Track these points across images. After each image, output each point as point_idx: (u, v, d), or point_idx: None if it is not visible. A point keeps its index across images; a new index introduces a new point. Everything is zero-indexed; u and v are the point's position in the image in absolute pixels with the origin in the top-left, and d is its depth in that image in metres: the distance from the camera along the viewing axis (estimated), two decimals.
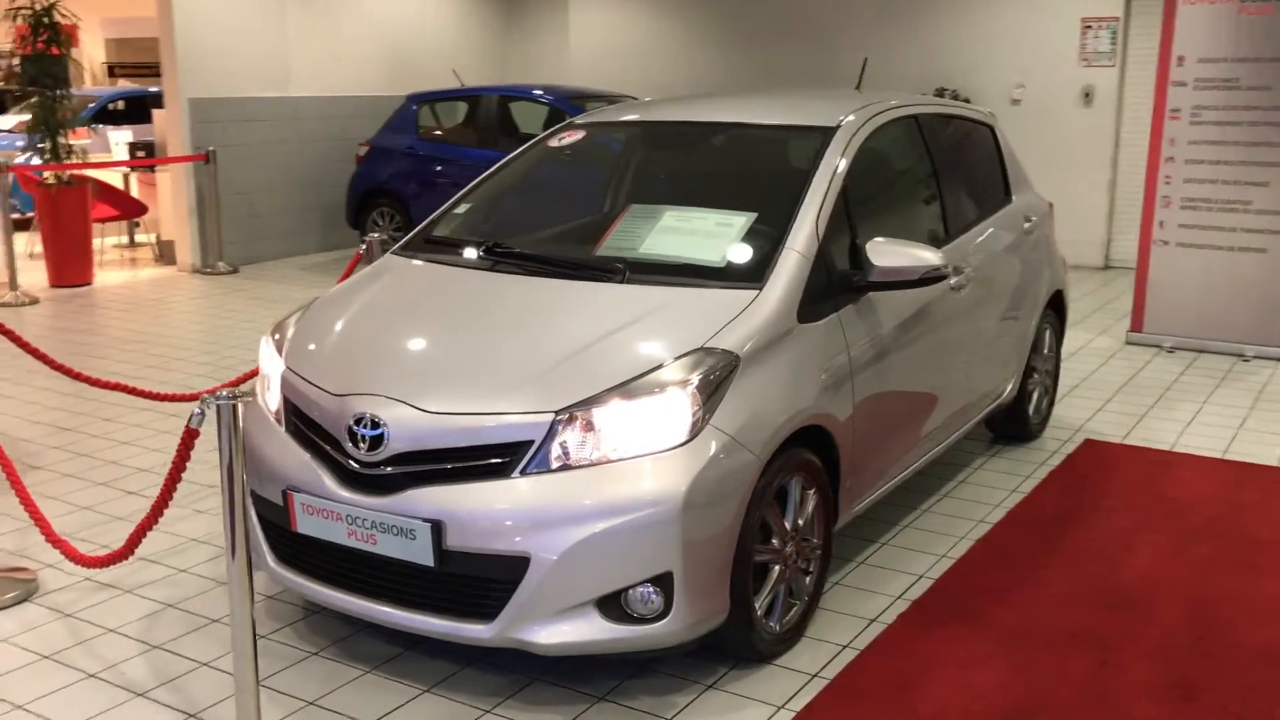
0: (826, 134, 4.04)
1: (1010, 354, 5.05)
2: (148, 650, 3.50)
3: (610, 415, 3.07)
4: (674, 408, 3.09)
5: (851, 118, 4.15)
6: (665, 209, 3.94)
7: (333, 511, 3.19)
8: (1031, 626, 3.67)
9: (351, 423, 3.20)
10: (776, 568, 3.41)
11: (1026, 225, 5.18)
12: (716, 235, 3.73)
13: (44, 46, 9.41)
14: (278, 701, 3.22)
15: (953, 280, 4.33)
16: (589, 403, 3.08)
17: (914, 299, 4.04)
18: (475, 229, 4.19)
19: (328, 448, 3.28)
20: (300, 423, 3.40)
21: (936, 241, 4.39)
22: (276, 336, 3.75)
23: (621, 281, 3.57)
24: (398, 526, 3.08)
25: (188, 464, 3.16)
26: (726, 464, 3.10)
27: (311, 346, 3.58)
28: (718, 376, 3.18)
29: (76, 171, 9.71)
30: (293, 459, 3.34)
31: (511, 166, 4.52)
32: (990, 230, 4.84)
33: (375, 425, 3.15)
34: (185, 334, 7.98)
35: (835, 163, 3.90)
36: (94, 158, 11.27)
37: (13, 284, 8.94)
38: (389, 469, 3.14)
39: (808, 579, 3.60)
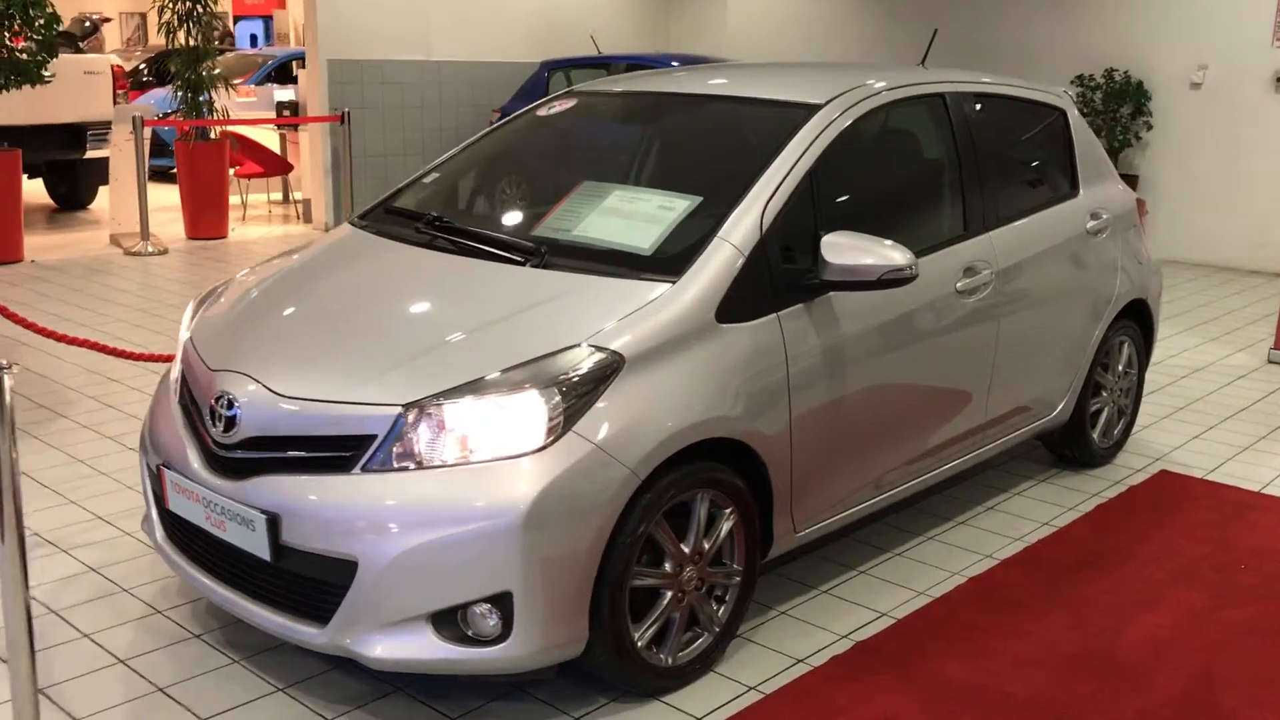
0: (809, 112, 3.59)
1: (1059, 368, 4.45)
2: (43, 615, 3.45)
3: (460, 414, 2.78)
4: (528, 410, 2.77)
5: (845, 95, 3.68)
6: (614, 188, 3.61)
7: (193, 492, 3.04)
8: (983, 688, 3.18)
9: (213, 400, 3.04)
10: (668, 594, 3.05)
11: (1092, 224, 4.54)
12: (653, 220, 3.37)
13: (190, 6, 9.72)
14: (129, 684, 3.10)
15: (960, 284, 3.81)
16: (439, 398, 2.80)
17: (896, 301, 3.56)
18: (433, 201, 3.96)
19: (199, 425, 3.12)
20: (188, 396, 3.26)
21: (952, 238, 3.87)
22: (206, 302, 3.63)
23: (538, 266, 3.26)
24: (241, 515, 2.89)
25: None
26: (588, 477, 2.77)
27: (214, 316, 3.44)
28: (588, 378, 2.84)
29: (228, 128, 10.07)
30: (171, 434, 3.21)
31: (493, 136, 4.26)
32: (1034, 227, 4.25)
33: (231, 405, 2.98)
34: None
35: (806, 145, 3.46)
36: (256, 115, 11.68)
37: (144, 234, 9.31)
38: (240, 453, 2.95)
39: (720, 608, 3.22)
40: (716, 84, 4.13)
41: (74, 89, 10.46)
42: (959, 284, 3.81)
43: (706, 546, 3.11)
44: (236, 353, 3.14)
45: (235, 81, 13.61)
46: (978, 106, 4.17)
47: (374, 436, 2.80)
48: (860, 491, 3.63)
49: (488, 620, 2.76)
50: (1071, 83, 10.19)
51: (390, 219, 3.85)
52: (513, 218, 3.81)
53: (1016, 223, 4.17)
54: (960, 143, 4.00)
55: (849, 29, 11.99)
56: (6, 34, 7.97)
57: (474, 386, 2.80)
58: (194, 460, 3.07)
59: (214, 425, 3.01)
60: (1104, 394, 4.83)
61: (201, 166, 9.84)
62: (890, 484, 3.75)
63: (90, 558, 3.83)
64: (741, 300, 3.16)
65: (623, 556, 2.87)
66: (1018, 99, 4.47)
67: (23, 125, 10.12)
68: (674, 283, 3.09)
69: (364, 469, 2.79)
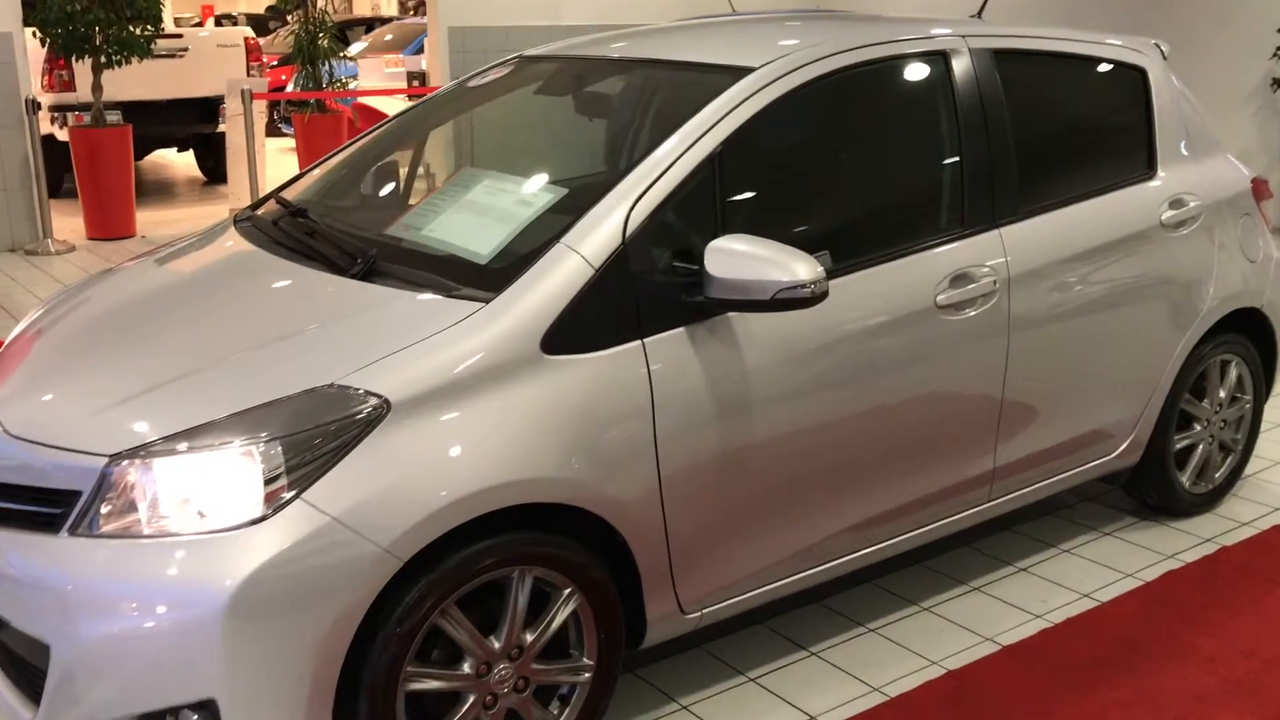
0: (732, 78, 2.83)
1: (1120, 396, 3.51)
2: None
3: (170, 470, 2.22)
4: (242, 471, 2.19)
5: (787, 56, 2.89)
6: (487, 177, 2.95)
7: None
8: None
9: None
10: (471, 697, 2.42)
11: (1170, 213, 3.54)
12: (505, 218, 2.70)
13: None
14: None
15: (941, 296, 2.97)
16: (150, 450, 2.25)
17: (832, 321, 2.76)
18: (321, 191, 3.39)
19: None
20: None
21: (936, 238, 3.02)
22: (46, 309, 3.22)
23: (357, 275, 2.65)
24: None
25: None
26: (321, 557, 2.16)
27: (28, 328, 3.01)
28: (334, 429, 2.22)
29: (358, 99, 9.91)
30: None
31: (413, 111, 3.68)
32: (1075, 219, 3.31)
33: None
34: None
35: (711, 123, 2.70)
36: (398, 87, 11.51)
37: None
38: None
39: (564, 710, 2.56)
40: (671, 44, 3.37)
41: (207, 63, 10.52)
42: (940, 297, 2.96)
43: (530, 638, 2.46)
44: (6, 374, 2.69)
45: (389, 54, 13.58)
46: (1003, 68, 3.25)
47: (79, 493, 2.28)
48: (787, 563, 2.87)
49: None
50: (1279, 31, 8.68)
51: (270, 213, 3.33)
52: (380, 212, 3.22)
53: (1047, 215, 3.26)
54: (964, 115, 3.13)
55: None
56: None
57: (188, 436, 2.24)
58: None
59: None
60: (1197, 427, 3.82)
61: (319, 138, 9.69)
62: (833, 553, 2.96)
63: None
64: (587, 324, 2.46)
65: (386, 654, 2.26)
66: (1071, 56, 3.51)
67: (157, 100, 10.26)
68: (487, 303, 2.43)
69: (70, 532, 2.28)
